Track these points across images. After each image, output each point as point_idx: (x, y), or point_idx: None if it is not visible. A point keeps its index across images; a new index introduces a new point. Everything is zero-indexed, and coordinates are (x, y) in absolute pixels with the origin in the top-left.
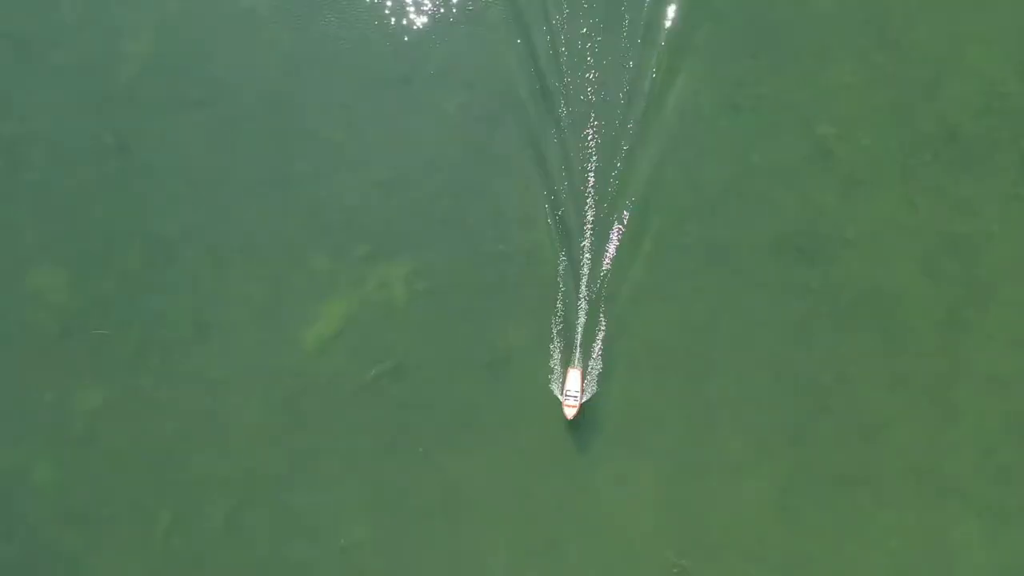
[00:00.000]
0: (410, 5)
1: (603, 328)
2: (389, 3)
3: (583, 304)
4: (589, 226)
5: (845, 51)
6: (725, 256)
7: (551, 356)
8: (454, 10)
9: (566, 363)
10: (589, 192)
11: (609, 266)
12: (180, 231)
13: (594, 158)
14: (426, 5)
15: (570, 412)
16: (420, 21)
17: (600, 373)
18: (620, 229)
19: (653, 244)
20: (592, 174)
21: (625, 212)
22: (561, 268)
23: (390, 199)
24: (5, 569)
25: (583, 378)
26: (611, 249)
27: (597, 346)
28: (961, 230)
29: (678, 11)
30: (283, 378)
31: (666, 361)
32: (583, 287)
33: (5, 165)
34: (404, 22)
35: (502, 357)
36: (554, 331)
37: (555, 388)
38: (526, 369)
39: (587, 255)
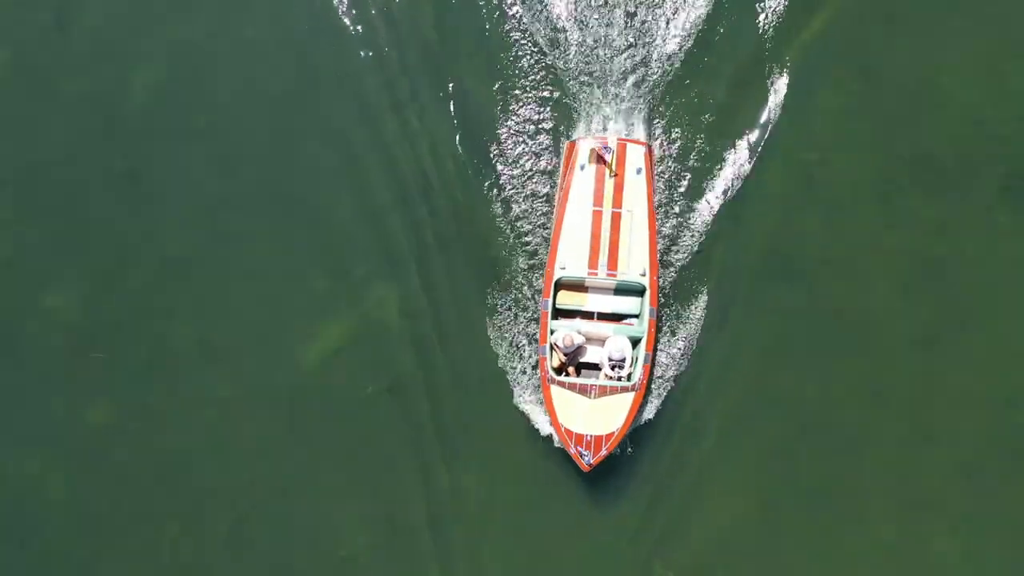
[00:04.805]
0: (408, 37)
1: None
2: (388, 35)
3: None
4: None
5: (823, 80)
6: (713, 277)
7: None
8: (453, 41)
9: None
10: None
11: None
12: (186, 254)
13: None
14: (425, 38)
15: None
16: (419, 52)
17: None
18: None
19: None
20: None
21: None
22: None
23: (387, 222)
24: (21, 574)
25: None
26: None
27: None
28: (937, 253)
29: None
30: (284, 395)
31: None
32: None
33: (19, 191)
34: (404, 53)
35: (495, 371)
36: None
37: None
38: (518, 379)
39: None
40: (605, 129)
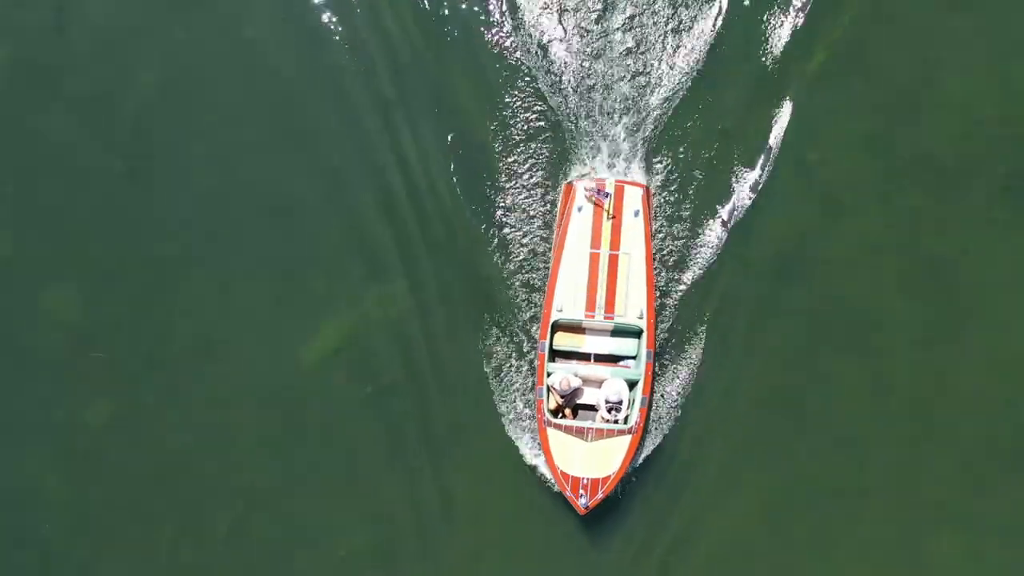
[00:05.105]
0: (407, 40)
1: None
2: (388, 37)
3: None
4: None
5: (824, 80)
6: (713, 277)
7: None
8: (455, 35)
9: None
10: None
11: None
12: (187, 254)
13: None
14: (427, 32)
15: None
16: (419, 54)
17: None
18: None
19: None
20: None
21: None
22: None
23: (384, 222)
24: (19, 574)
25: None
26: None
27: None
28: (938, 252)
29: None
30: (284, 394)
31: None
32: None
33: (19, 190)
34: (403, 56)
35: (492, 371)
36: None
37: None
38: (514, 375)
39: None
40: (608, 169)
